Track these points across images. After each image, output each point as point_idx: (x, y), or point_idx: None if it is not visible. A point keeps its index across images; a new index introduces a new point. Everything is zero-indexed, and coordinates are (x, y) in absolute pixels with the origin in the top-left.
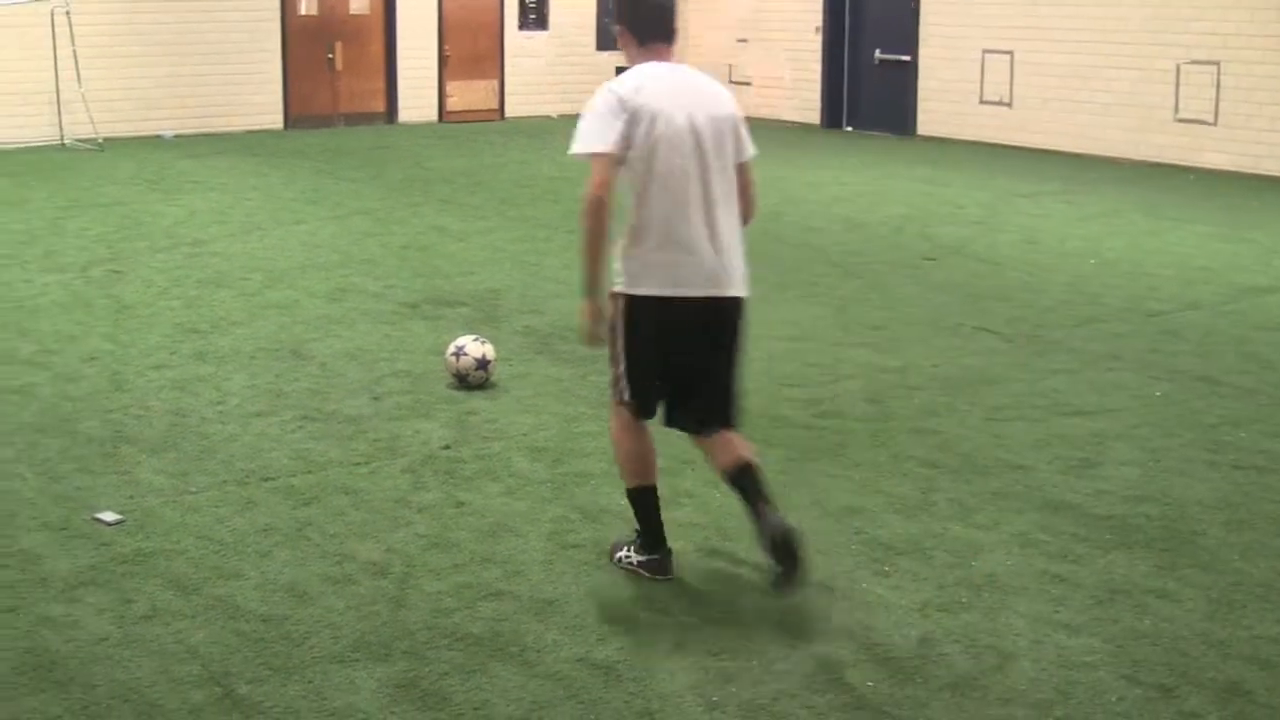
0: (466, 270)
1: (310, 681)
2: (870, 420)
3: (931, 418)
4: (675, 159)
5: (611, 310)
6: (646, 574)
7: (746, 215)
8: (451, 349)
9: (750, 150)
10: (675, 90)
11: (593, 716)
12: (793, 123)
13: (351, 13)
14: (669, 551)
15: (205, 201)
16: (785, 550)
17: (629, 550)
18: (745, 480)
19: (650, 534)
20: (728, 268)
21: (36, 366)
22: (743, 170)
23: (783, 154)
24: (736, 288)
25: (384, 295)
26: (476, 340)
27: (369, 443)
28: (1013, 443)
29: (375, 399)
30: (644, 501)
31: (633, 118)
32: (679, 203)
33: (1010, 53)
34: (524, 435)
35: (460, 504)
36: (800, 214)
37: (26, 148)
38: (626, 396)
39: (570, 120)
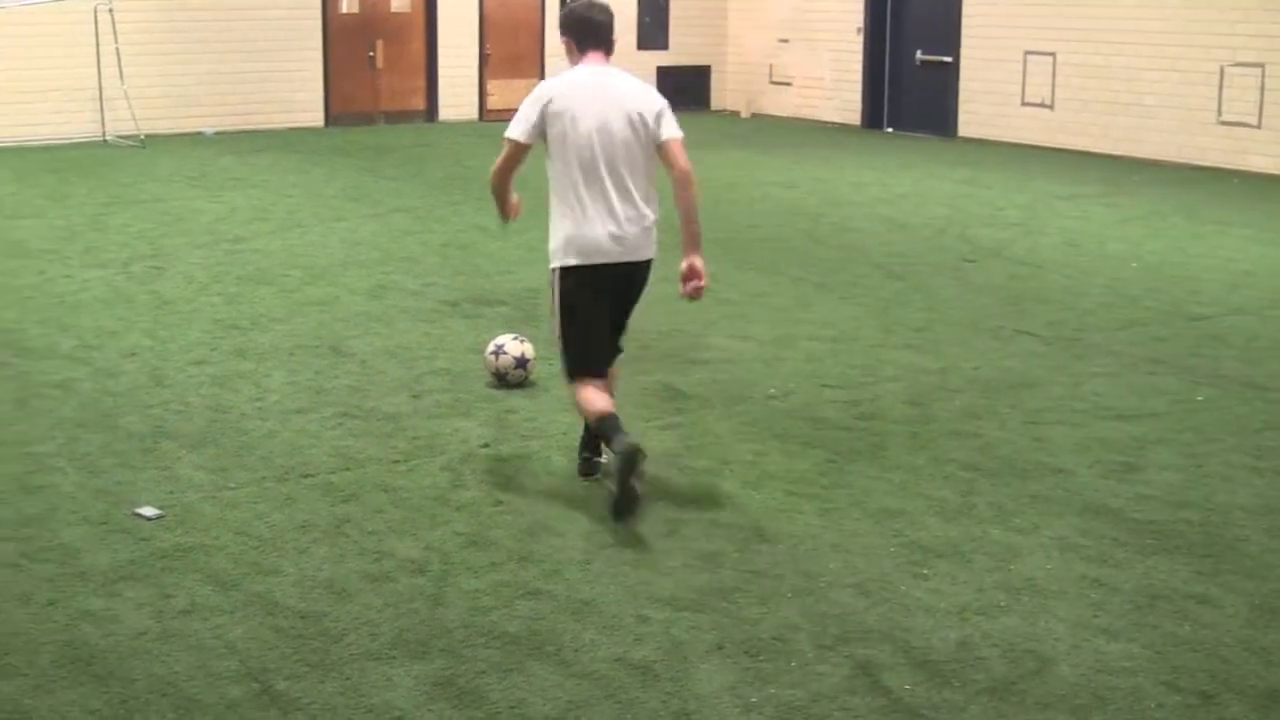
0: (506, 269)
1: (348, 678)
2: (910, 422)
3: (972, 420)
4: (588, 150)
5: (548, 293)
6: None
7: (682, 184)
8: (491, 347)
9: (669, 132)
10: (596, 92)
11: (629, 716)
12: (833, 123)
13: (393, 11)
14: (599, 462)
15: (246, 198)
16: (625, 461)
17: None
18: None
19: (593, 439)
20: (636, 237)
21: (77, 362)
22: (663, 149)
23: (824, 155)
24: (645, 253)
25: (424, 293)
26: (516, 339)
27: (408, 440)
28: (1053, 446)
29: (414, 397)
30: (604, 424)
31: (551, 114)
32: (593, 186)
33: (1052, 54)
34: (563, 434)
35: (499, 502)
36: (842, 215)
37: (69, 144)
38: (570, 370)
39: None
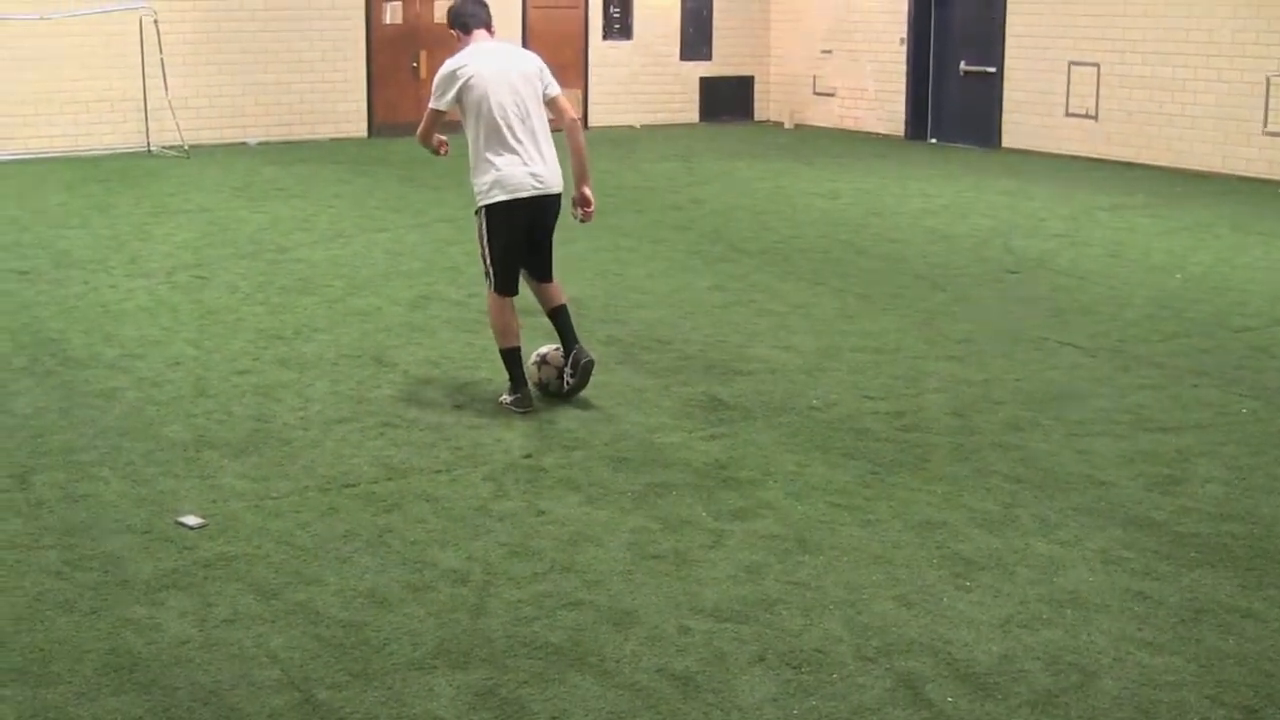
0: None
1: (389, 688)
2: (953, 434)
3: (1015, 432)
4: (498, 106)
5: (476, 224)
6: (517, 410)
7: (572, 130)
8: (534, 358)
9: (555, 88)
10: (496, 59)
11: None
12: (877, 134)
13: (436, 21)
14: (528, 392)
15: (289, 208)
16: (582, 372)
17: (505, 395)
18: (561, 317)
19: (516, 380)
20: (548, 174)
21: (121, 371)
22: (553, 103)
23: (867, 165)
24: (556, 187)
25: (466, 303)
26: (558, 349)
27: (450, 450)
28: (1096, 458)
29: (457, 407)
30: (511, 358)
31: (463, 85)
32: (506, 134)
33: (1096, 65)
34: (605, 445)
35: (541, 513)
36: (885, 226)
37: (115, 154)
38: (495, 286)
39: (653, 130)
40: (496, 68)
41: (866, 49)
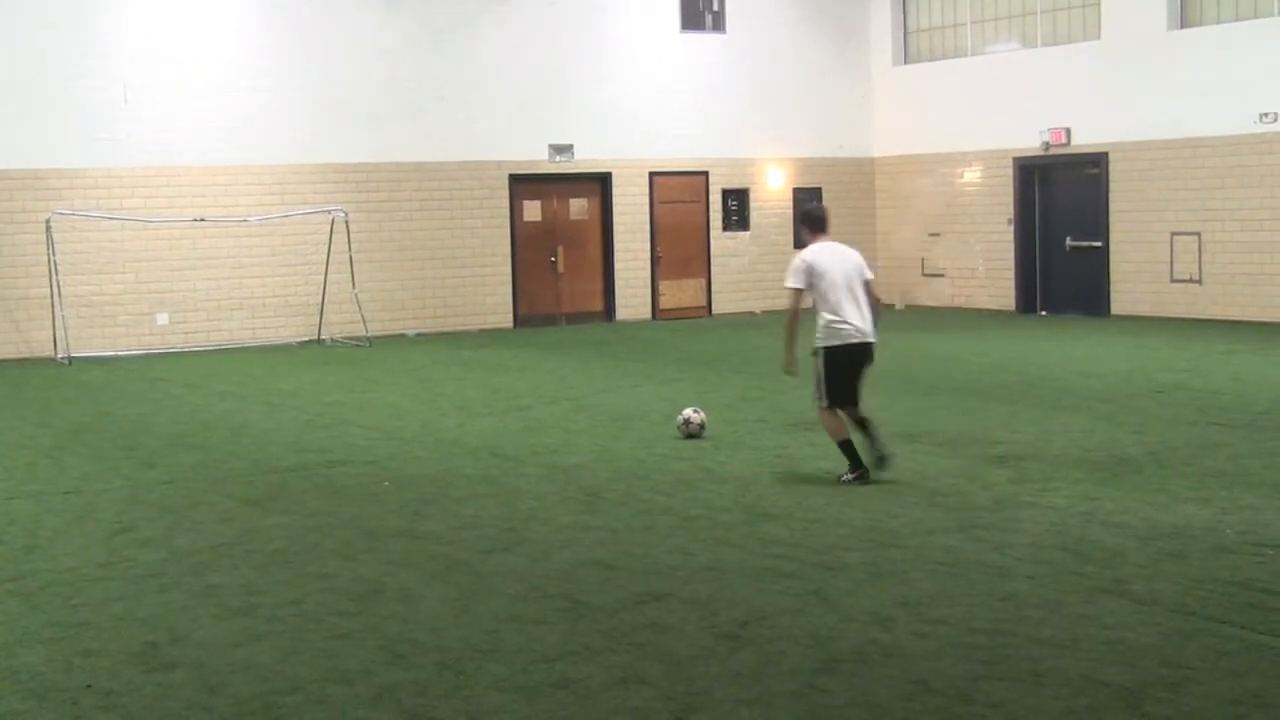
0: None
1: None
2: None
3: None
4: (841, 282)
5: (815, 362)
6: (858, 481)
7: (875, 301)
8: (680, 420)
9: (869, 274)
10: (833, 254)
11: None
12: (988, 310)
13: (572, 218)
14: (864, 467)
15: (543, 375)
16: (880, 463)
17: (845, 474)
18: (868, 427)
19: (851, 459)
20: (867, 329)
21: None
22: (869, 285)
23: (993, 333)
24: (871, 338)
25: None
26: (695, 410)
27: None
28: None
29: None
30: (848, 447)
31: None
32: (837, 300)
33: (1198, 234)
34: None
35: None
36: (1040, 371)
37: (294, 345)
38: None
39: (775, 316)
40: (833, 259)
41: (974, 230)
